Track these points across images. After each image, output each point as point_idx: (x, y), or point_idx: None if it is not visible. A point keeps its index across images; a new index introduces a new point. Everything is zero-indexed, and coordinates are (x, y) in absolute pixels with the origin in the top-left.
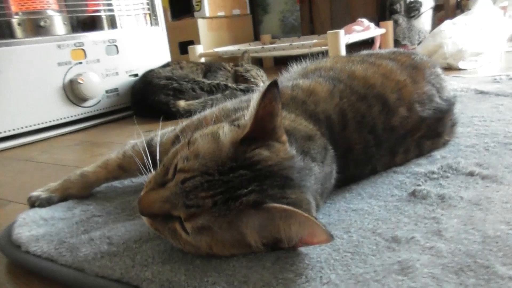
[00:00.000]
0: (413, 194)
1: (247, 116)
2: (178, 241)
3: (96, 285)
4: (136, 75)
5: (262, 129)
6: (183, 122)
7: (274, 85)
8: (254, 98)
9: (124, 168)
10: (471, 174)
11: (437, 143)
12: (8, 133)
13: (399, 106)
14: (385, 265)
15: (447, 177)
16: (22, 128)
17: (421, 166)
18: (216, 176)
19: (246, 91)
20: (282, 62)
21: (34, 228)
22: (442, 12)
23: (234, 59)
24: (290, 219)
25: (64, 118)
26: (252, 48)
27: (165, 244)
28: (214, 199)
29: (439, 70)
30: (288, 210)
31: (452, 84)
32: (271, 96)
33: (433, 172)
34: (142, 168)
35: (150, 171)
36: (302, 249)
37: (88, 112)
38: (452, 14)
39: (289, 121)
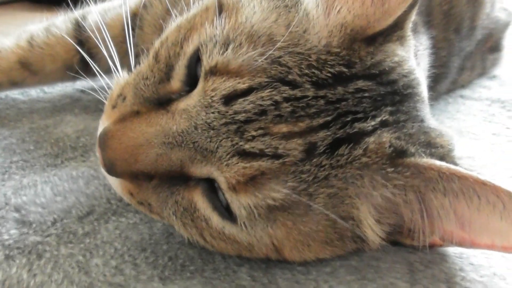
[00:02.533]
0: None
1: None
2: (199, 230)
3: None
4: None
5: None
6: None
7: None
8: None
9: (31, 66)
10: None
11: (498, 58)
12: None
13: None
14: None
15: None
16: None
17: (493, 89)
18: (309, 88)
19: None
20: None
21: None
22: None
23: None
24: (471, 201)
25: None
26: None
27: (151, 223)
28: (308, 139)
29: None
30: (474, 179)
31: None
32: None
33: None
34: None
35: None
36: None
37: None
38: None
39: None
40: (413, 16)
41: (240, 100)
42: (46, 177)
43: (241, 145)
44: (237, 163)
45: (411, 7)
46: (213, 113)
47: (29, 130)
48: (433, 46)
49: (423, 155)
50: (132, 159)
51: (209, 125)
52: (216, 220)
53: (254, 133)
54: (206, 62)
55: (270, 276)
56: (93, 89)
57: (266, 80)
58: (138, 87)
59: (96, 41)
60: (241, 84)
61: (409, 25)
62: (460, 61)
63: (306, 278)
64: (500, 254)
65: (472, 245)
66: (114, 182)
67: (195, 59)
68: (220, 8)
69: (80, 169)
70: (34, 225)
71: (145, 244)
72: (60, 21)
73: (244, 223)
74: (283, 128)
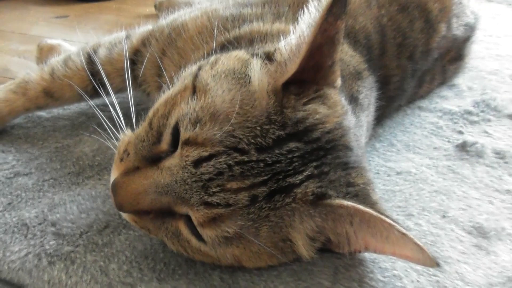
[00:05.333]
0: (462, 148)
1: (293, 40)
2: (183, 247)
3: None
4: None
5: (315, 67)
6: (141, 26)
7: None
8: (305, 13)
9: (53, 94)
10: None
11: (459, 67)
12: None
13: (440, 21)
14: (495, 285)
15: (489, 120)
16: None
17: (449, 100)
18: (254, 154)
19: None
20: None
21: None
22: None
23: None
24: (368, 228)
25: None
26: None
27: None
28: (252, 192)
29: None
30: (369, 214)
31: None
32: (338, 12)
33: (470, 112)
34: (87, 98)
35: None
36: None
37: None
38: None
39: None
40: (332, 78)
41: (205, 164)
42: (72, 196)
43: (205, 198)
44: (203, 209)
45: (311, 71)
46: (187, 173)
47: (55, 150)
48: (386, 76)
49: (340, 195)
50: (135, 202)
51: (185, 182)
52: (194, 241)
53: (214, 189)
54: (182, 135)
55: (234, 278)
56: (104, 105)
57: (223, 149)
58: (138, 147)
59: (105, 79)
60: (205, 152)
61: (331, 85)
62: (416, 80)
63: (260, 279)
64: (402, 260)
65: (376, 252)
66: (123, 214)
67: (177, 129)
68: (194, 90)
69: (98, 188)
70: (67, 237)
71: (147, 252)
72: (75, 55)
73: (211, 245)
74: (234, 185)
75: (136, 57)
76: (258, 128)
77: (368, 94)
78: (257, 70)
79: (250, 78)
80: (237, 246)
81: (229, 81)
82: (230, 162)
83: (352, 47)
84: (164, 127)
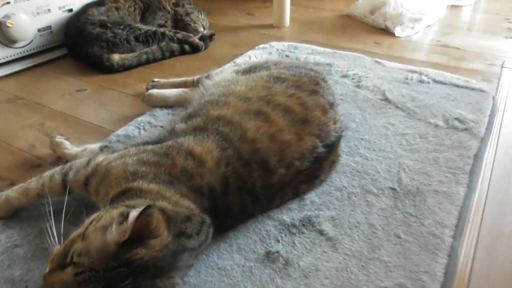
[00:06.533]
0: (267, 254)
1: (132, 216)
2: None
3: None
4: (71, 10)
5: (140, 234)
6: (95, 161)
7: (148, 209)
8: (133, 213)
9: (43, 196)
10: (320, 232)
11: (313, 185)
12: None
13: (278, 167)
14: None
15: (303, 233)
16: None
17: (291, 212)
18: (101, 272)
19: (183, 41)
20: None
21: None
22: None
23: None
24: None
25: None
26: None
27: None
28: None
29: (333, 112)
30: None
31: (368, 77)
32: (146, 215)
33: (294, 225)
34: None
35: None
36: None
37: (19, 53)
38: None
39: (172, 205)
40: (153, 234)
41: (79, 275)
42: (39, 262)
43: None
44: None
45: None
46: (71, 278)
47: (40, 231)
48: (228, 206)
49: None
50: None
51: (71, 283)
52: None
53: (82, 287)
54: (74, 259)
55: None
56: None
57: (87, 269)
58: (57, 258)
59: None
60: (79, 269)
61: (152, 237)
62: (264, 201)
63: None
64: None
65: None
66: None
67: (73, 255)
68: (83, 237)
69: None
70: None
71: None
72: (57, 173)
73: None
74: (91, 286)
75: (87, 181)
76: (104, 260)
77: (197, 226)
78: (113, 231)
79: (107, 236)
80: None
81: (99, 235)
82: (90, 275)
83: (194, 199)
84: (69, 252)
